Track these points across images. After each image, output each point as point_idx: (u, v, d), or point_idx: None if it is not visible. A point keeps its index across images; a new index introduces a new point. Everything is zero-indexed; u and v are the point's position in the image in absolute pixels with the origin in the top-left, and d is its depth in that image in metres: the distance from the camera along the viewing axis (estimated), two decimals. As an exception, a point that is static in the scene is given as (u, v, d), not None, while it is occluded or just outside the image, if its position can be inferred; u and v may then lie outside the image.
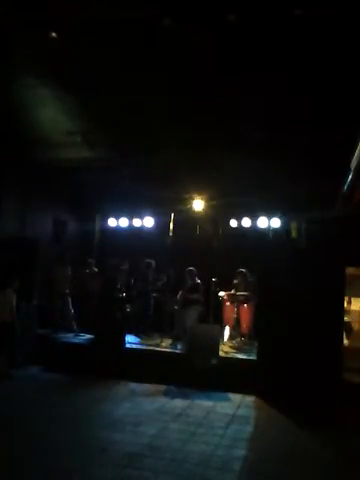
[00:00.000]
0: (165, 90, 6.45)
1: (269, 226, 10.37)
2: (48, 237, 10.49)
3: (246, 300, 8.80)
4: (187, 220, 10.88)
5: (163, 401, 6.62)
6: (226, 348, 8.42)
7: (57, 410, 5.90)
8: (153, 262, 9.82)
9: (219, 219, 11.00)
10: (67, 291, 9.41)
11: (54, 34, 5.69)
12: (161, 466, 4.27)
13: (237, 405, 6.64)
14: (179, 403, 6.54)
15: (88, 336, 8.84)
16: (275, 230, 10.32)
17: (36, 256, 8.95)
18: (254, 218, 10.45)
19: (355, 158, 7.24)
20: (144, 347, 8.48)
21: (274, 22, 5.22)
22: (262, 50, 5.63)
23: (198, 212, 10.49)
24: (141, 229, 11.33)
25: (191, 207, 10.40)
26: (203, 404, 6.56)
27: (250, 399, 6.93)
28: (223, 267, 9.64)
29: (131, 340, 8.80)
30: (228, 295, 9.00)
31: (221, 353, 7.89)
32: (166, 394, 7.01)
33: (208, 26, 5.35)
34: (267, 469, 4.47)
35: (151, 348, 8.38)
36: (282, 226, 10.33)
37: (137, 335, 9.18)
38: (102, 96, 6.87)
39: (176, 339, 8.63)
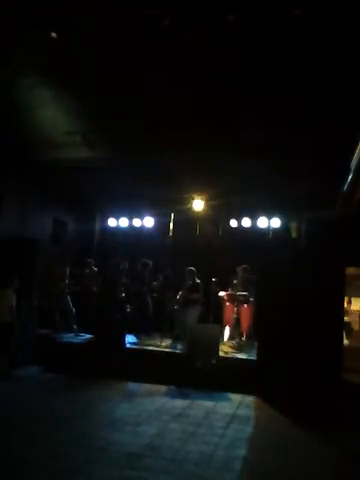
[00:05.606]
0: (165, 90, 6.45)
1: (269, 226, 10.38)
2: (48, 237, 10.50)
3: (246, 300, 8.80)
4: (187, 220, 10.89)
5: (163, 401, 6.62)
6: (226, 348, 8.42)
7: (57, 410, 5.89)
8: (150, 262, 9.81)
9: (219, 219, 11.00)
10: (66, 291, 9.42)
11: (54, 34, 5.70)
12: (161, 466, 4.27)
13: (237, 405, 6.63)
14: (179, 403, 6.54)
15: (88, 336, 8.84)
16: (275, 230, 10.33)
17: (36, 256, 8.94)
18: (254, 218, 10.46)
19: (355, 158, 7.24)
20: (144, 347, 8.48)
21: (274, 22, 5.23)
22: (262, 50, 5.64)
23: (198, 212, 10.49)
24: (141, 229, 11.35)
25: (191, 207, 10.41)
26: (203, 404, 6.55)
27: (250, 399, 6.93)
28: (223, 267, 9.65)
29: (131, 340, 8.80)
30: (228, 295, 8.99)
31: (221, 353, 7.89)
32: (166, 394, 7.00)
33: (208, 26, 5.35)
34: (267, 469, 4.46)
35: (151, 348, 8.38)
36: (282, 226, 10.34)
37: (137, 335, 9.18)
38: (102, 96, 6.88)
39: (176, 339, 8.63)
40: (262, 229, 10.37)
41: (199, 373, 7.34)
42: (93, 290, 9.74)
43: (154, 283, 9.71)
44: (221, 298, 9.05)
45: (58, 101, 7.13)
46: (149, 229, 11.27)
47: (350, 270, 7.71)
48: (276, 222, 10.32)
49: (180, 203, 10.40)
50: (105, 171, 9.19)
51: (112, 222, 11.60)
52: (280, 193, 9.17)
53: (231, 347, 8.55)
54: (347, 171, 7.74)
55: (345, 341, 8.06)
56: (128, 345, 8.43)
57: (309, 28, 5.18)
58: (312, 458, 4.84)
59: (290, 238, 10.02)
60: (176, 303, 9.03)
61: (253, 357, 7.66)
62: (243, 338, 8.77)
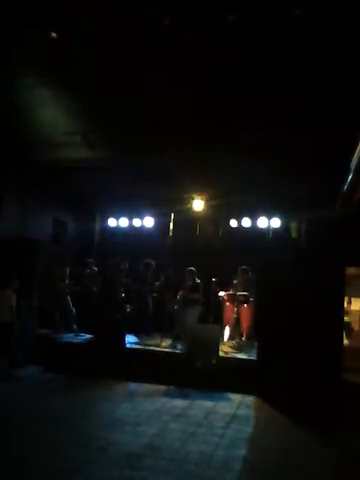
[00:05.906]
0: (165, 90, 6.45)
1: (269, 226, 10.38)
2: (48, 237, 10.51)
3: (246, 300, 8.80)
4: (187, 220, 10.90)
5: (163, 401, 6.62)
6: (226, 348, 8.42)
7: (57, 410, 5.90)
8: (153, 263, 9.82)
9: (219, 219, 11.01)
10: (66, 291, 9.42)
11: (54, 34, 5.70)
12: (161, 466, 4.27)
13: (237, 405, 6.63)
14: (179, 403, 6.54)
15: (88, 336, 8.84)
16: (275, 230, 10.34)
17: (36, 256, 8.94)
18: (254, 218, 10.46)
19: (355, 158, 7.25)
20: (144, 347, 8.48)
21: (274, 22, 5.23)
22: (262, 50, 5.64)
23: (198, 212, 10.50)
24: (141, 229, 11.35)
25: (191, 207, 10.41)
26: (203, 404, 6.55)
27: (250, 399, 6.92)
28: (223, 267, 9.66)
29: (131, 340, 8.80)
30: (228, 295, 8.99)
31: (221, 353, 7.89)
32: (166, 394, 7.00)
33: (208, 26, 5.36)
34: (267, 469, 4.46)
35: (151, 348, 8.38)
36: (282, 226, 10.34)
37: (137, 335, 9.18)
38: (102, 96, 6.88)
39: (176, 339, 8.63)
40: (262, 229, 10.38)
41: (199, 373, 7.34)
42: (93, 290, 9.74)
43: (156, 283, 9.72)
44: (221, 298, 9.06)
45: (58, 101, 7.13)
46: (149, 229, 11.28)
47: (350, 270, 7.71)
48: (276, 222, 10.33)
49: (180, 203, 10.40)
50: (105, 171, 9.19)
51: (112, 222, 11.61)
52: (280, 193, 9.17)
53: (231, 347, 8.55)
54: (347, 171, 7.74)
55: (345, 341, 8.06)
56: (128, 345, 8.43)
57: (309, 28, 5.18)
58: (312, 458, 4.84)
59: (290, 238, 10.02)
60: (176, 303, 9.04)
61: (253, 357, 7.66)
62: (243, 338, 8.77)
